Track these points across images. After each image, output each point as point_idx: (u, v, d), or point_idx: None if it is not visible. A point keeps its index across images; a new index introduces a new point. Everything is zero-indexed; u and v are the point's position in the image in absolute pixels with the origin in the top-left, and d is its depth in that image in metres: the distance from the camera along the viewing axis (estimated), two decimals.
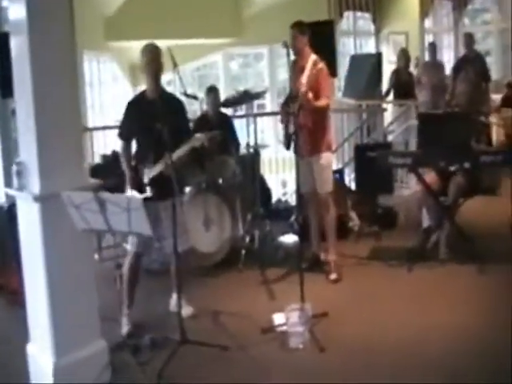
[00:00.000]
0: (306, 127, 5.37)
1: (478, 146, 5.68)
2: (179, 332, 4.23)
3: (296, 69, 5.46)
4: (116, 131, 4.93)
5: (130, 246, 4.72)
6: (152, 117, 4.37)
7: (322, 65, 5.36)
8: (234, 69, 14.34)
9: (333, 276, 5.50)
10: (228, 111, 7.08)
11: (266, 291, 5.33)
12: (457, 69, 9.56)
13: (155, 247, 5.03)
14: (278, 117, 6.00)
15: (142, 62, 4.61)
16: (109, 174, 5.44)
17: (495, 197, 7.52)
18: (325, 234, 5.70)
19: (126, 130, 4.77)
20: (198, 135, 4.84)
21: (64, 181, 3.76)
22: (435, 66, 9.66)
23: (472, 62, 9.28)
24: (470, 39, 9.70)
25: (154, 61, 4.55)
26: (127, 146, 4.81)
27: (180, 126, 4.67)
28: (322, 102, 5.32)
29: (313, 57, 5.39)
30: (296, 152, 5.09)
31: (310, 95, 5.14)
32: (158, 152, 4.44)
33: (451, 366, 3.92)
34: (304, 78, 5.25)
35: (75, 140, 3.97)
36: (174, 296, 4.88)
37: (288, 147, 5.44)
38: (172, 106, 4.64)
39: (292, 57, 5.36)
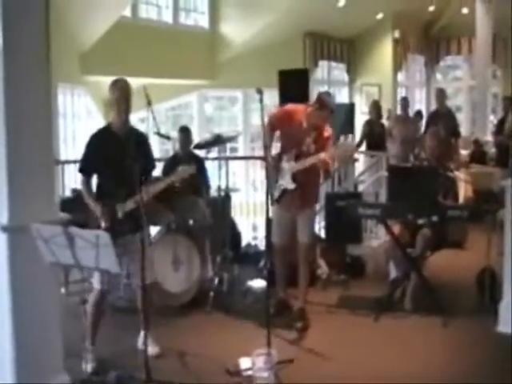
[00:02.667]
0: (303, 183, 5.36)
1: (445, 200, 5.76)
2: (145, 371, 4.17)
3: (298, 122, 5.36)
4: None
5: (95, 283, 4.63)
6: (121, 151, 4.37)
7: (331, 134, 5.44)
8: (208, 111, 14.44)
9: (299, 324, 5.47)
10: (201, 153, 7.09)
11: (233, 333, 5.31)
12: (428, 123, 9.77)
13: (122, 284, 4.99)
14: (255, 161, 6.00)
15: (110, 97, 4.56)
16: (79, 208, 5.38)
17: (462, 251, 7.64)
18: (297, 282, 5.65)
19: (90, 164, 4.63)
20: (182, 168, 4.86)
21: (33, 213, 3.74)
22: (406, 120, 9.84)
23: (443, 117, 9.47)
24: (441, 94, 9.91)
25: (123, 98, 4.51)
26: (89, 181, 4.67)
27: (146, 160, 4.64)
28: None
29: (328, 128, 5.42)
30: (280, 205, 5.14)
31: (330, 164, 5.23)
32: (129, 187, 4.40)
33: None
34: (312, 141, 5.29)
35: (46, 172, 3.97)
36: (142, 333, 4.82)
37: (278, 201, 5.41)
38: (138, 141, 4.62)
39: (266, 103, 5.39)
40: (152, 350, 4.65)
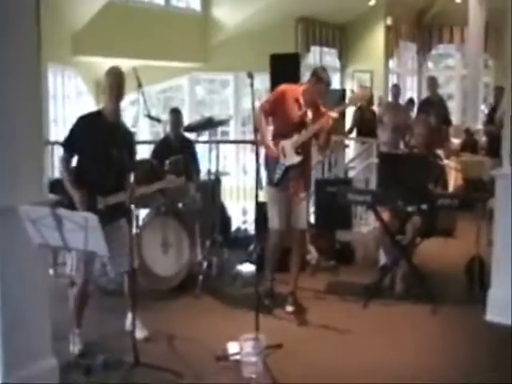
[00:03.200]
0: (305, 157, 5.35)
1: (435, 189, 5.76)
2: (133, 354, 4.16)
3: (296, 101, 5.31)
4: None
5: (76, 272, 4.55)
6: (110, 141, 4.32)
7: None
8: (199, 94, 14.39)
9: (290, 308, 5.49)
10: (192, 136, 7.06)
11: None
12: (419, 111, 9.76)
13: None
14: (246, 145, 5.96)
15: (104, 84, 4.52)
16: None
17: (452, 239, 7.66)
18: (288, 267, 5.64)
19: (74, 143, 4.53)
20: (171, 178, 4.87)
21: (21, 195, 3.70)
22: (397, 107, 9.82)
23: (434, 105, 9.47)
24: (433, 82, 9.91)
25: (117, 85, 4.47)
26: (69, 159, 4.56)
27: (128, 158, 4.54)
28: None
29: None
30: (280, 187, 5.12)
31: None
32: (113, 179, 4.37)
33: None
34: (310, 115, 5.28)
35: (35, 154, 3.91)
36: (130, 316, 4.82)
37: (279, 183, 5.35)
38: (126, 136, 4.60)
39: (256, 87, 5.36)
40: (140, 333, 4.64)
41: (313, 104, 5.31)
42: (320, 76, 5.22)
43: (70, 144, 4.55)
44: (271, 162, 5.38)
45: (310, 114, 5.29)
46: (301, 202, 5.44)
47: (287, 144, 5.28)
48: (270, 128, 5.42)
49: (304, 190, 5.46)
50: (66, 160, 4.55)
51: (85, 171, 4.53)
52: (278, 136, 5.34)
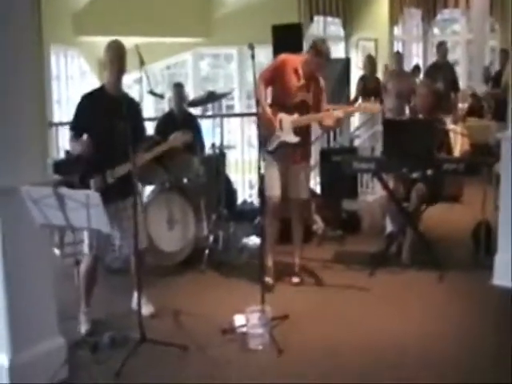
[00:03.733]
0: (303, 137, 5.33)
1: (440, 153, 5.72)
2: (139, 331, 4.19)
3: (297, 76, 5.26)
4: None
5: (86, 249, 4.61)
6: (115, 114, 4.32)
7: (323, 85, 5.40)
8: (204, 69, 14.32)
9: (295, 279, 5.51)
10: (196, 111, 7.05)
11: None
12: (426, 75, 9.67)
13: (117, 245, 4.99)
14: (250, 119, 5.94)
15: (105, 59, 4.53)
16: (73, 170, 5.35)
17: (458, 204, 7.63)
18: (293, 238, 5.63)
19: (82, 123, 4.54)
20: (176, 135, 4.85)
21: (23, 175, 3.70)
22: (401, 74, 9.74)
23: (442, 70, 9.38)
24: (442, 47, 9.79)
25: (117, 58, 4.48)
26: (76, 138, 4.55)
27: (136, 127, 4.54)
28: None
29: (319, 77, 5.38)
30: (277, 156, 5.09)
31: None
32: (120, 151, 4.35)
33: (404, 368, 3.96)
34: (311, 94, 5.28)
35: (36, 134, 3.90)
36: (136, 294, 4.85)
37: (274, 151, 5.34)
38: (131, 106, 4.57)
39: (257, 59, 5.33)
40: (146, 310, 4.67)
41: (312, 76, 5.27)
42: (319, 49, 5.16)
43: (77, 124, 4.57)
44: (267, 130, 5.29)
45: (308, 90, 5.26)
46: (299, 173, 5.42)
47: (286, 119, 5.25)
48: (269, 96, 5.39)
49: (301, 161, 5.44)
50: (76, 139, 4.56)
51: (97, 147, 4.51)
52: (277, 106, 5.30)
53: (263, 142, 5.26)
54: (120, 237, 4.68)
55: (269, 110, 5.26)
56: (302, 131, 5.32)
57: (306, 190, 5.57)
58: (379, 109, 5.40)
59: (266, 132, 5.26)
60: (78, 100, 4.64)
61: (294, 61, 5.31)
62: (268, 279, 5.31)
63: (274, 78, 5.31)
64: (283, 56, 5.40)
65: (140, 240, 4.42)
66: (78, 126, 4.57)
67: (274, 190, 5.35)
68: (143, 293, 4.59)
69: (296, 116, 5.25)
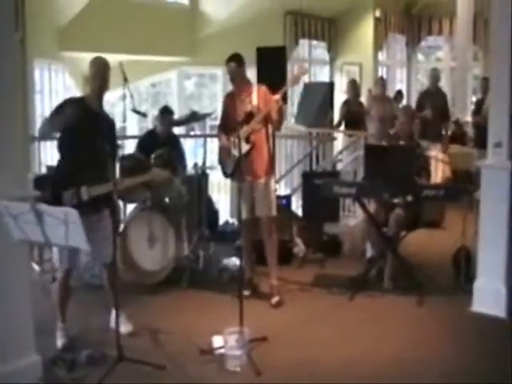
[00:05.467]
0: (255, 148, 5.39)
1: (420, 179, 5.77)
2: (116, 349, 4.16)
3: (235, 98, 5.56)
4: None
5: (59, 262, 4.60)
6: (93, 128, 4.31)
7: (266, 89, 5.49)
8: (189, 88, 14.34)
9: (274, 300, 5.49)
10: (180, 130, 7.05)
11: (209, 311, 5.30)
12: (418, 102, 9.73)
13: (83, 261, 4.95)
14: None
15: (89, 74, 4.55)
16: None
17: (440, 230, 7.69)
18: (267, 259, 5.67)
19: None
20: (156, 170, 4.89)
21: (3, 189, 3.67)
22: (384, 99, 9.81)
23: (433, 98, 9.45)
24: (435, 74, 9.86)
25: (100, 75, 4.52)
26: None
27: (110, 147, 4.49)
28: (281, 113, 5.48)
29: (255, 85, 5.60)
30: (238, 178, 5.10)
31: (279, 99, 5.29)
32: (98, 169, 4.33)
33: None
34: (254, 101, 5.40)
35: (18, 149, 3.89)
36: (114, 312, 4.81)
37: (233, 174, 5.44)
38: (108, 124, 4.60)
39: None
40: (124, 328, 4.64)
41: (245, 85, 5.53)
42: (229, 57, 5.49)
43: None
44: (224, 156, 5.57)
45: (254, 103, 5.43)
46: (263, 190, 5.46)
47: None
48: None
49: (263, 175, 5.48)
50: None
51: (71, 162, 4.52)
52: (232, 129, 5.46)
53: (222, 168, 5.64)
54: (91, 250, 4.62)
55: (224, 137, 5.57)
56: (256, 141, 5.39)
57: (272, 207, 5.56)
58: (306, 71, 5.50)
59: (224, 158, 5.60)
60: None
61: (232, 91, 5.65)
62: (245, 292, 5.33)
63: (227, 116, 5.57)
64: (224, 96, 5.80)
65: (108, 253, 4.41)
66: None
67: (242, 213, 5.36)
68: (123, 311, 4.56)
69: (245, 127, 5.36)
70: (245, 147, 5.32)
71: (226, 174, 5.65)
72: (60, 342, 4.54)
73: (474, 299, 5.34)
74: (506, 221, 5.17)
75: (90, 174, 4.46)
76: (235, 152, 5.33)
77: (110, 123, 4.73)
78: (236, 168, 5.31)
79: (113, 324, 4.69)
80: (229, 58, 5.48)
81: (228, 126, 5.51)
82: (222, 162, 5.67)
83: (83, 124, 4.47)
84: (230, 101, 5.60)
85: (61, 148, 4.61)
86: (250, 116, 5.38)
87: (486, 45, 14.03)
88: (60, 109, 4.54)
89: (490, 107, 5.48)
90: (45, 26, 9.63)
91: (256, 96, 5.43)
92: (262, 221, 5.54)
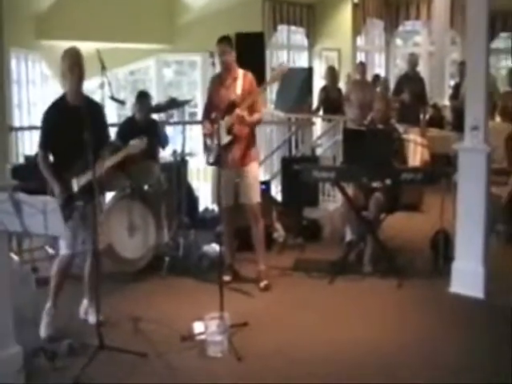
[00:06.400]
0: (237, 139, 5.40)
1: (397, 163, 5.82)
2: (97, 338, 4.16)
3: (220, 83, 5.54)
4: None
5: (63, 248, 4.58)
6: (77, 125, 4.29)
7: (252, 77, 5.44)
8: (167, 75, 14.26)
9: (263, 283, 5.54)
10: (159, 118, 7.04)
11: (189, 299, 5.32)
12: (396, 86, 9.78)
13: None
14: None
15: (63, 67, 4.49)
16: (31, 175, 5.29)
17: (418, 213, 7.74)
18: (254, 245, 5.70)
19: (49, 140, 4.58)
20: (134, 142, 4.85)
21: None
22: (363, 84, 9.83)
23: (411, 82, 9.50)
24: (413, 59, 9.91)
25: (76, 65, 4.46)
26: (48, 156, 4.62)
27: (101, 131, 4.60)
28: (256, 117, 5.48)
29: (241, 71, 5.51)
30: (220, 164, 5.10)
31: (246, 115, 5.30)
32: (85, 160, 4.32)
33: (363, 377, 4.00)
34: (238, 91, 5.39)
35: None
36: (85, 302, 4.88)
37: (215, 161, 5.42)
38: (94, 111, 4.55)
39: (218, 67, 5.43)
40: (92, 318, 4.66)
41: (232, 72, 5.50)
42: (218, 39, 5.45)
43: (46, 142, 4.59)
44: (208, 143, 5.57)
45: (238, 93, 5.42)
46: (247, 177, 5.48)
47: (220, 125, 5.31)
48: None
49: (247, 163, 5.49)
50: (45, 157, 4.60)
51: (60, 158, 4.58)
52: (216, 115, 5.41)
53: (205, 155, 5.63)
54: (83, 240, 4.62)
55: (208, 124, 5.51)
56: (238, 130, 5.40)
57: (256, 194, 5.58)
58: (286, 70, 5.50)
59: (208, 146, 5.60)
60: (41, 105, 4.63)
61: (218, 74, 5.59)
62: (226, 277, 5.37)
63: (211, 101, 5.55)
64: (210, 79, 5.71)
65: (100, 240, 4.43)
66: (47, 145, 4.59)
67: (224, 199, 5.42)
68: (92, 301, 4.61)
69: (226, 118, 5.35)
70: (226, 138, 5.34)
71: (208, 162, 5.63)
72: (46, 331, 4.52)
73: (452, 280, 5.41)
74: (483, 202, 5.23)
75: (79, 166, 4.48)
76: (218, 141, 5.31)
77: (98, 109, 4.69)
78: (218, 157, 5.27)
79: (82, 315, 4.79)
80: (220, 38, 5.45)
81: (211, 111, 5.45)
82: (205, 149, 5.65)
83: (67, 123, 4.47)
84: (216, 85, 5.57)
85: (45, 147, 4.59)
86: (232, 106, 5.35)
87: (464, 29, 14.09)
88: (44, 123, 4.60)
89: (466, 91, 5.53)
90: (21, 15, 9.52)
91: (241, 84, 5.42)
92: (247, 208, 5.55)
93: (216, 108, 5.42)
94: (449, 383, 3.92)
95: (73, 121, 4.38)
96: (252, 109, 5.42)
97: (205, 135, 5.63)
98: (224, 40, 5.44)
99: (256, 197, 5.56)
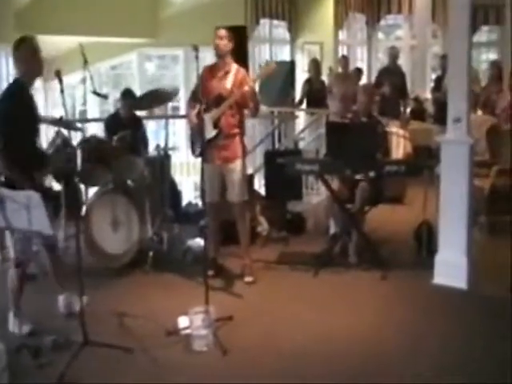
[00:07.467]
0: (224, 133, 5.36)
1: (380, 155, 5.83)
2: (82, 333, 4.14)
3: (212, 74, 5.48)
4: None
5: (11, 253, 4.45)
6: (34, 113, 4.23)
7: (245, 73, 5.46)
8: (150, 69, 14.20)
9: (248, 278, 5.54)
10: (141, 112, 7.00)
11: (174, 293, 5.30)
12: (377, 79, 9.82)
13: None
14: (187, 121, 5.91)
15: (18, 56, 4.41)
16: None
17: (402, 205, 7.77)
18: (238, 239, 5.69)
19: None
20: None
21: None
22: (346, 77, 9.86)
23: (392, 75, 9.53)
24: (393, 52, 9.96)
25: (38, 55, 4.40)
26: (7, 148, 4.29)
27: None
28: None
29: (235, 65, 5.47)
30: (205, 159, 5.08)
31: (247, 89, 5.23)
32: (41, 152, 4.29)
33: (348, 369, 4.01)
34: (228, 85, 5.35)
35: None
36: (60, 297, 4.83)
37: (201, 154, 5.30)
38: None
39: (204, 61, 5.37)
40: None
41: (224, 64, 5.46)
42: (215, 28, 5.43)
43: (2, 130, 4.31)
44: (194, 136, 5.51)
45: (227, 86, 5.38)
46: (234, 174, 5.45)
47: (206, 118, 5.28)
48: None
49: (233, 161, 5.45)
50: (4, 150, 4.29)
51: (17, 151, 4.31)
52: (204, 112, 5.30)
53: (191, 148, 5.53)
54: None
55: (193, 116, 5.42)
56: (224, 125, 5.36)
57: (243, 191, 5.56)
58: (273, 69, 5.48)
59: (194, 139, 5.51)
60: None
61: (212, 64, 5.55)
62: (210, 272, 5.30)
63: (199, 91, 5.28)
64: (203, 67, 5.55)
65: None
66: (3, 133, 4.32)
67: (209, 195, 5.41)
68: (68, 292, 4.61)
69: (214, 111, 5.32)
70: (212, 132, 5.31)
71: (194, 154, 5.55)
72: (25, 328, 4.44)
73: (435, 272, 5.43)
74: (466, 193, 5.26)
75: (38, 158, 4.44)
76: (204, 134, 5.30)
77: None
78: (203, 150, 5.24)
79: (63, 309, 4.75)
80: (220, 26, 5.42)
81: (197, 101, 5.32)
82: (192, 140, 5.59)
83: (30, 112, 4.41)
84: (207, 75, 5.48)
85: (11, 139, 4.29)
86: (220, 99, 5.32)
87: (445, 23, 14.14)
88: (2, 113, 4.34)
89: (449, 83, 5.55)
90: (2, 9, 9.44)
91: (232, 78, 5.38)
92: (234, 204, 5.53)
93: (203, 98, 5.28)
94: (433, 374, 3.93)
95: (32, 109, 4.37)
96: (240, 105, 5.39)
97: (191, 127, 5.58)
98: (224, 27, 5.42)
99: (243, 194, 5.54)
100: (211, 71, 5.50)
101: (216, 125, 5.32)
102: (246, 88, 5.23)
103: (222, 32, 5.37)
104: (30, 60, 4.40)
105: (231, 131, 5.42)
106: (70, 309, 4.77)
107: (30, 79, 4.48)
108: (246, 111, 5.55)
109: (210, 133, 5.31)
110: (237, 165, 5.47)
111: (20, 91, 4.42)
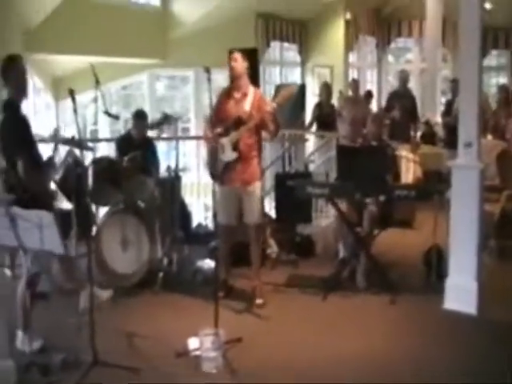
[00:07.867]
0: (243, 156, 5.36)
1: (391, 179, 5.85)
2: (91, 353, 4.13)
3: (229, 96, 5.47)
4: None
5: (25, 267, 4.40)
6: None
7: (262, 95, 5.48)
8: (160, 90, 14.29)
9: (259, 301, 5.52)
10: (152, 133, 7.04)
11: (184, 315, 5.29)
12: (387, 103, 9.83)
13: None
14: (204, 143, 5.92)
15: (15, 72, 4.38)
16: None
17: (411, 229, 7.75)
18: (249, 261, 5.69)
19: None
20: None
21: None
22: (356, 101, 9.89)
23: (402, 99, 9.55)
24: (404, 75, 9.98)
25: (25, 74, 4.41)
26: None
27: None
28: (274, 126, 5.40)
29: (252, 88, 5.48)
30: (222, 181, 5.07)
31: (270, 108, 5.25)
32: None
33: None
34: (247, 107, 5.34)
35: None
36: (83, 293, 4.84)
37: (213, 176, 5.33)
38: None
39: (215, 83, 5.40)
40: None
41: (242, 86, 5.43)
42: (231, 52, 5.44)
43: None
44: (211, 158, 5.47)
45: (245, 109, 5.36)
46: (251, 196, 5.45)
47: (225, 141, 5.30)
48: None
49: (250, 184, 5.44)
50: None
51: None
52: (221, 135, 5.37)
53: (209, 170, 5.50)
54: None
55: (213, 139, 5.38)
56: (243, 148, 5.36)
57: (259, 214, 5.58)
58: (292, 92, 5.46)
59: (212, 161, 5.45)
60: (32, 118, 4.54)
61: (229, 86, 5.55)
62: (220, 293, 5.29)
63: (218, 114, 5.36)
64: (221, 89, 5.60)
65: None
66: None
67: (223, 217, 5.42)
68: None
69: (233, 134, 5.32)
70: (231, 155, 5.32)
71: (212, 177, 5.44)
72: (35, 344, 4.43)
73: (445, 297, 5.41)
74: (476, 218, 5.25)
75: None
76: (223, 157, 5.32)
77: None
78: (223, 173, 5.27)
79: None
80: (233, 49, 5.46)
81: (216, 125, 5.34)
82: (209, 163, 5.53)
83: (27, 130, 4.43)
84: (224, 98, 5.48)
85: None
86: (239, 122, 5.32)
87: (455, 47, 14.23)
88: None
89: (459, 108, 5.56)
90: (10, 28, 9.51)
91: (251, 100, 5.38)
92: (250, 227, 5.52)
93: (221, 122, 5.36)
94: None
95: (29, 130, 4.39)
96: (259, 127, 5.39)
97: (210, 150, 5.52)
98: (237, 50, 5.46)
99: (259, 217, 5.56)
100: (228, 94, 5.49)
101: (235, 147, 5.32)
102: (269, 109, 5.25)
103: (237, 54, 5.39)
104: (21, 79, 4.42)
105: (250, 153, 5.42)
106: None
107: (21, 98, 4.47)
108: (264, 133, 5.55)
109: (230, 156, 5.32)
110: (255, 187, 5.48)
111: (19, 112, 4.45)
